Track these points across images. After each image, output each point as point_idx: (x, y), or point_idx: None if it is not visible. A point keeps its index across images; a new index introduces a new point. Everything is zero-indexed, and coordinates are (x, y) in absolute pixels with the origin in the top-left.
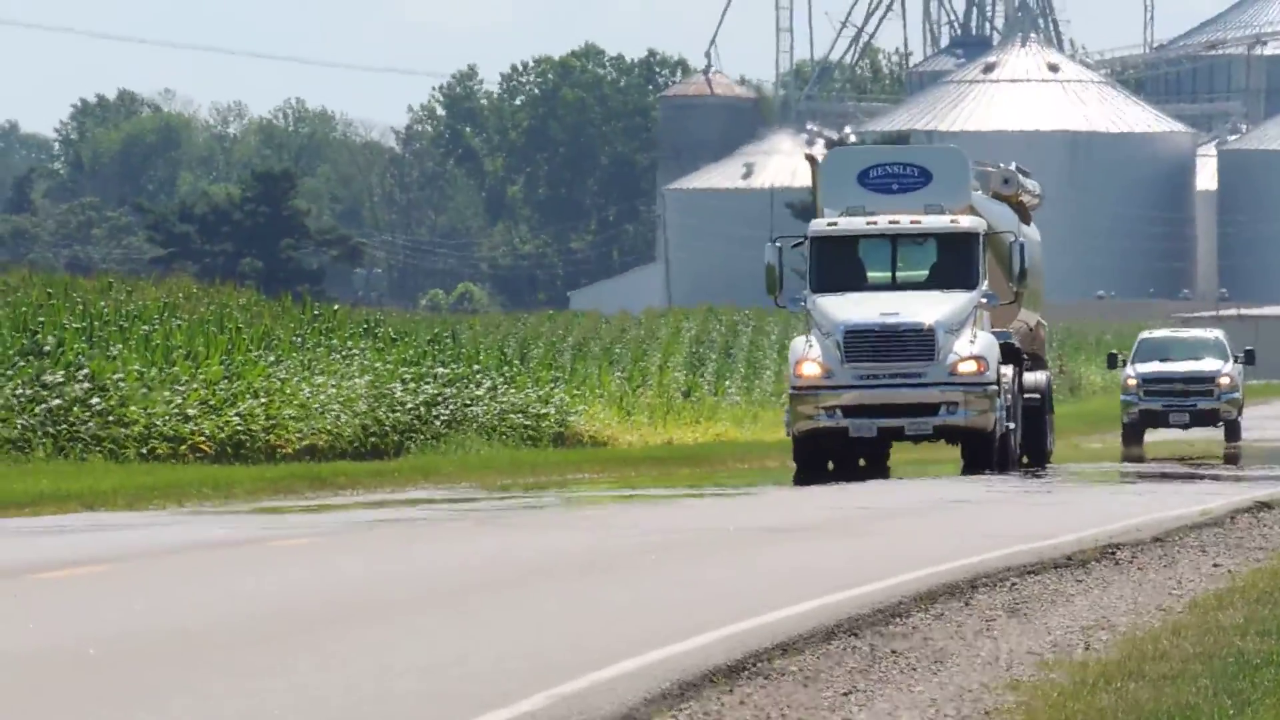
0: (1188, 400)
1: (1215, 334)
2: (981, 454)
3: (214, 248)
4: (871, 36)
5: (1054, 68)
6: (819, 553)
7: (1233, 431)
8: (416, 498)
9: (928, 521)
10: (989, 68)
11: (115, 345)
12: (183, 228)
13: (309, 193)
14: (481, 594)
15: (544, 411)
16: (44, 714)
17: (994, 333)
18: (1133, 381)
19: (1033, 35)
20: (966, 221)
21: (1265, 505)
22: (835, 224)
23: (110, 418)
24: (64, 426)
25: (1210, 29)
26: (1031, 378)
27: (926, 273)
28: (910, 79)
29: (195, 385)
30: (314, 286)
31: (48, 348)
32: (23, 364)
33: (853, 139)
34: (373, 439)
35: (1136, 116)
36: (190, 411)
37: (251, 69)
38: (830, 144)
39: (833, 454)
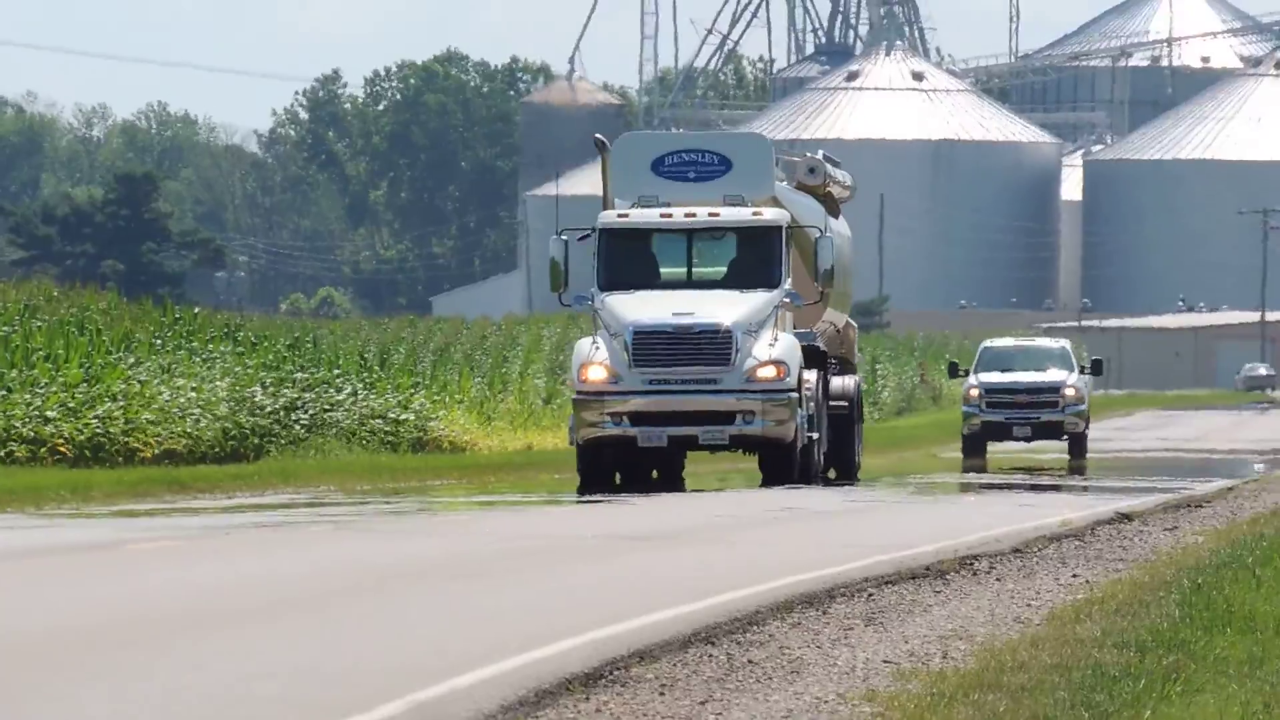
0: (1031, 412)
1: (1061, 344)
2: (781, 466)
3: (75, 250)
4: (736, 43)
5: (918, 76)
6: (678, 561)
7: (1078, 445)
8: (276, 502)
9: (786, 531)
10: (852, 75)
11: None
12: (44, 230)
13: (171, 195)
14: (341, 599)
15: (404, 417)
16: None
17: (797, 334)
18: (975, 392)
19: (898, 43)
20: (769, 214)
21: (1126, 517)
22: (625, 216)
23: None
24: None
25: (1075, 40)
26: (839, 384)
27: (725, 269)
28: (774, 86)
29: (54, 388)
30: (175, 290)
31: None
32: None
33: None
34: (233, 443)
35: (1002, 125)
36: (49, 414)
37: (115, 71)
38: None
39: (621, 465)
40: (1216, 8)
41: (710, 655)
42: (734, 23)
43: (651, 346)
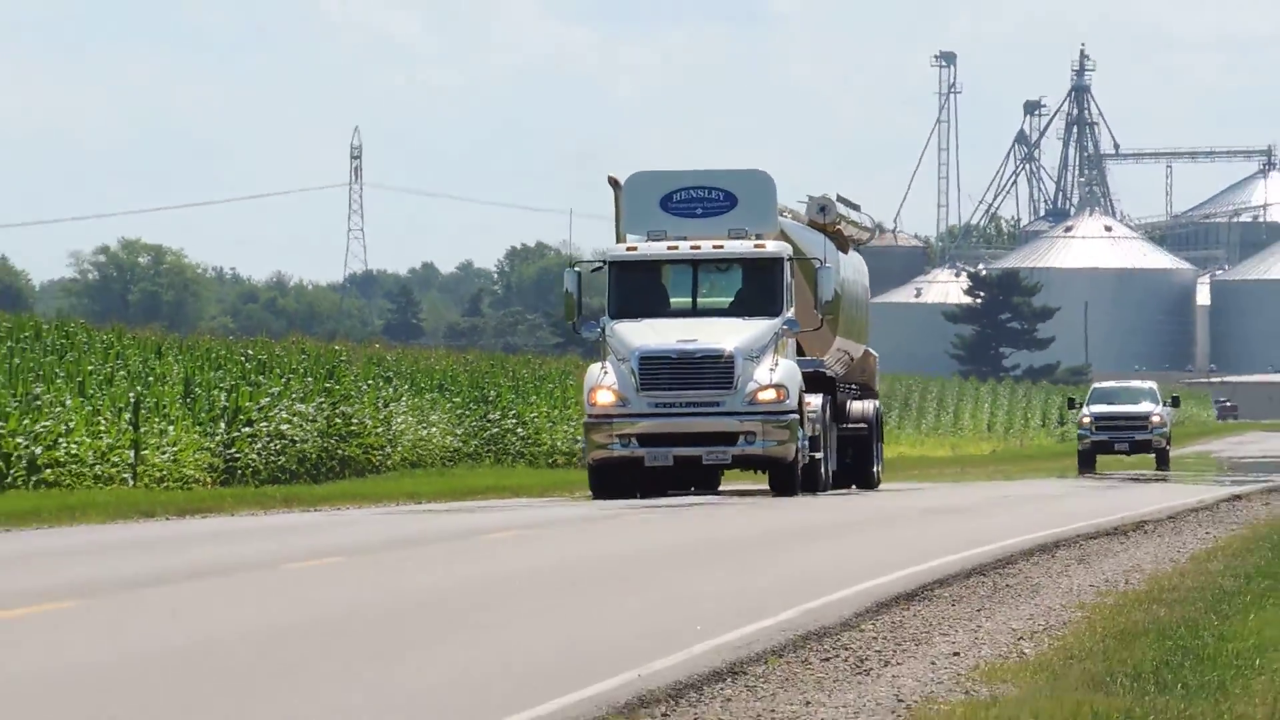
0: (1128, 433)
1: (1149, 384)
2: (785, 482)
3: None
4: (996, 208)
5: (1108, 228)
6: (962, 525)
7: (1162, 458)
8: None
9: (1027, 507)
10: (1069, 228)
11: (532, 396)
12: None
13: None
14: (770, 546)
15: None
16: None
17: (800, 361)
18: (1087, 419)
19: (1096, 208)
20: (771, 246)
21: (1238, 497)
22: (635, 249)
23: (530, 440)
24: (499, 446)
25: (1206, 205)
26: (859, 407)
27: (731, 299)
28: (1020, 235)
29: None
30: None
31: (491, 397)
32: (475, 408)
33: (983, 270)
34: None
35: (1160, 260)
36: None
37: None
38: (976, 278)
39: (632, 484)
40: None
41: (982, 582)
42: (997, 195)
43: (657, 371)
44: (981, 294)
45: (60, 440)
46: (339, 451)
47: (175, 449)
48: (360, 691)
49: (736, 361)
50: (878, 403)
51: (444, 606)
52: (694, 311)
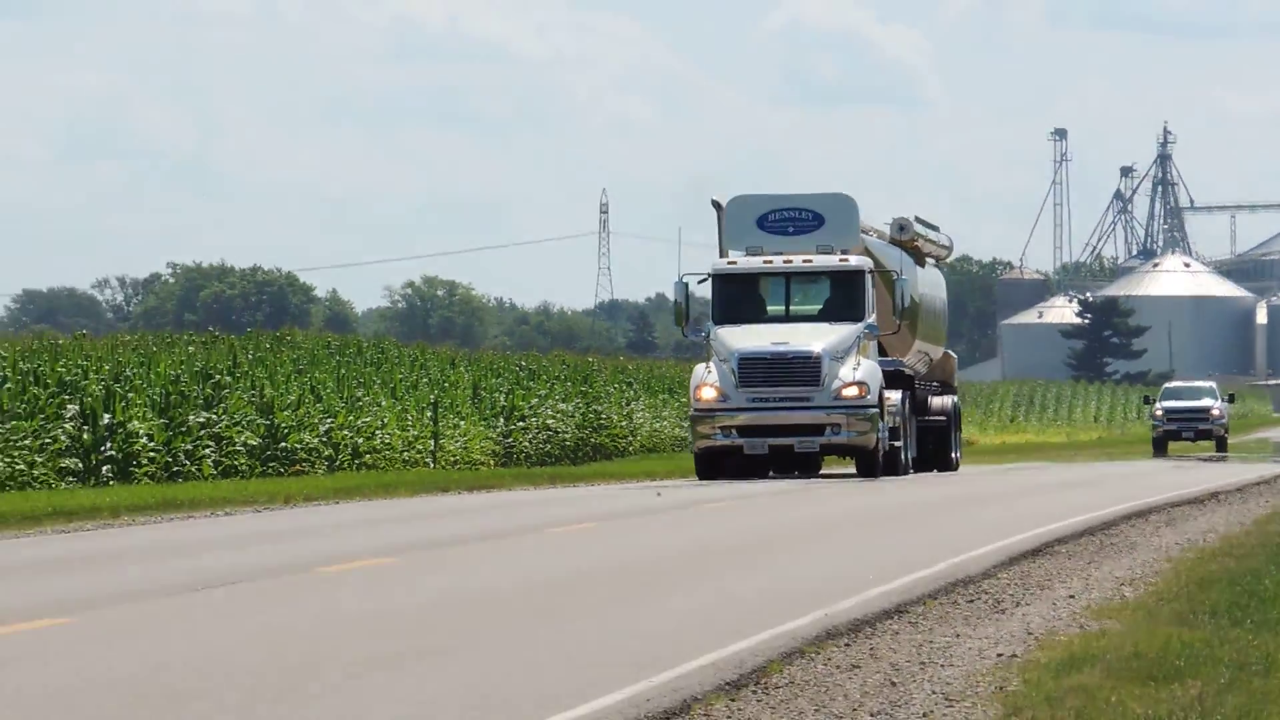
0: (1192, 424)
1: (1210, 384)
2: (869, 467)
3: None
4: (1099, 248)
5: (1187, 265)
6: (1065, 497)
7: (1221, 444)
8: None
9: (1126, 480)
10: (1155, 265)
11: None
12: None
13: None
14: (901, 519)
15: None
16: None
17: (881, 361)
18: (1159, 412)
19: (1177, 249)
20: (854, 260)
21: None
22: (735, 263)
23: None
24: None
25: (1263, 246)
26: (939, 401)
27: (820, 306)
28: (1117, 270)
29: None
30: None
31: None
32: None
33: (1090, 297)
34: None
35: (1226, 289)
36: None
37: None
38: (1085, 303)
39: (734, 470)
40: None
41: (1091, 541)
42: (1099, 238)
43: (754, 370)
44: (1089, 316)
45: (377, 432)
46: (592, 440)
47: (465, 438)
48: (611, 623)
49: (824, 361)
50: (956, 398)
51: (670, 562)
52: (787, 318)
